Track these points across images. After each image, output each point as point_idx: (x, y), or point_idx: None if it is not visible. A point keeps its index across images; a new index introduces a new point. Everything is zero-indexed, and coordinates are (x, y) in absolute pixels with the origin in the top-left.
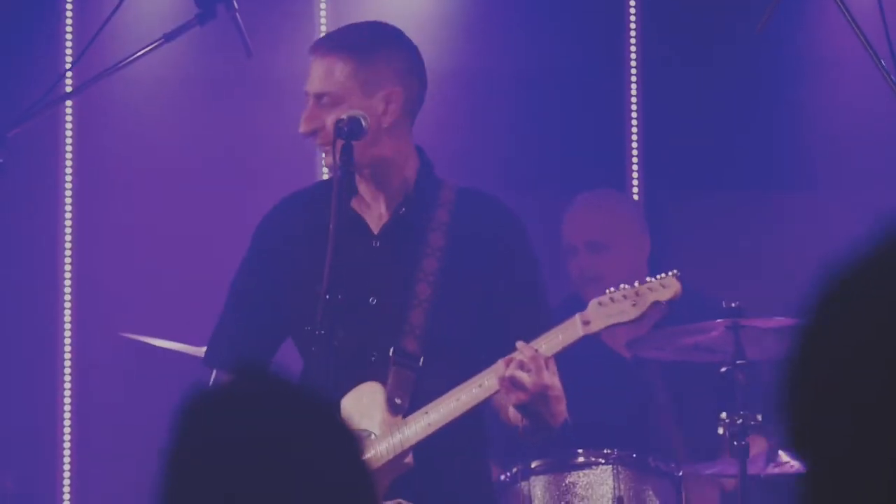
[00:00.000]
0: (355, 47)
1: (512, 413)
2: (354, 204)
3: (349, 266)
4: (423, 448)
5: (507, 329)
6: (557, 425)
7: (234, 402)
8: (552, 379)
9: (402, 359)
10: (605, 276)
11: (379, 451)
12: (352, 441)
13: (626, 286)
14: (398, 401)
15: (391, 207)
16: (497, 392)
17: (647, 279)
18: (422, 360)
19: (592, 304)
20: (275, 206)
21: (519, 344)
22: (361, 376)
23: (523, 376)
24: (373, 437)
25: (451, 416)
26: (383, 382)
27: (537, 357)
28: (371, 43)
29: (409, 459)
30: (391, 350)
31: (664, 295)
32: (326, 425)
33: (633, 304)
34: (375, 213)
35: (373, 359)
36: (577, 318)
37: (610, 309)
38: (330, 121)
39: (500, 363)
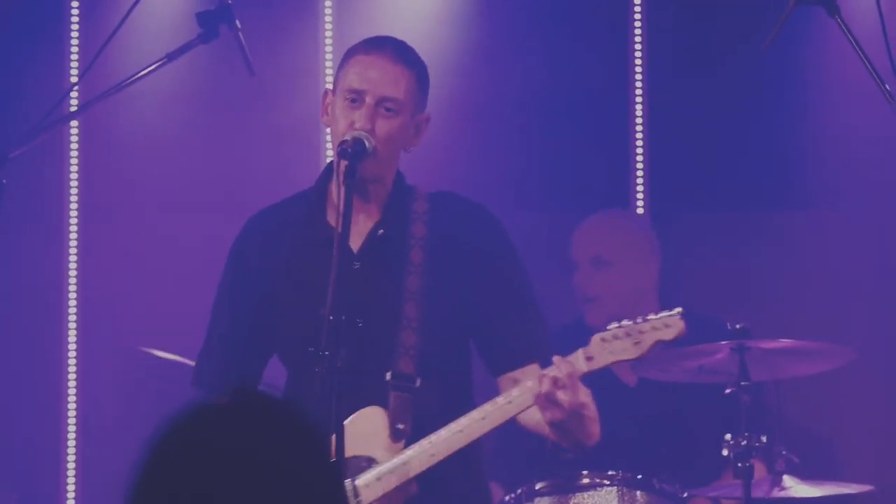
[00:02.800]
0: (417, 65)
1: (542, 426)
2: (331, 219)
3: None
4: (426, 472)
5: (498, 333)
6: (591, 445)
7: (217, 423)
8: (587, 398)
9: (400, 382)
10: (605, 294)
11: (384, 479)
12: (331, 465)
13: (629, 322)
14: (401, 426)
15: (369, 224)
16: (528, 408)
17: (650, 316)
18: (418, 381)
19: (595, 339)
20: (245, 225)
21: (556, 358)
22: (357, 399)
23: (560, 394)
24: (375, 463)
25: (457, 447)
26: (383, 407)
27: (574, 374)
28: (423, 65)
29: (413, 488)
30: (388, 374)
31: (668, 335)
32: (309, 450)
33: (636, 343)
34: (355, 228)
35: (370, 382)
36: (581, 353)
37: (613, 346)
38: (383, 128)
39: (535, 380)
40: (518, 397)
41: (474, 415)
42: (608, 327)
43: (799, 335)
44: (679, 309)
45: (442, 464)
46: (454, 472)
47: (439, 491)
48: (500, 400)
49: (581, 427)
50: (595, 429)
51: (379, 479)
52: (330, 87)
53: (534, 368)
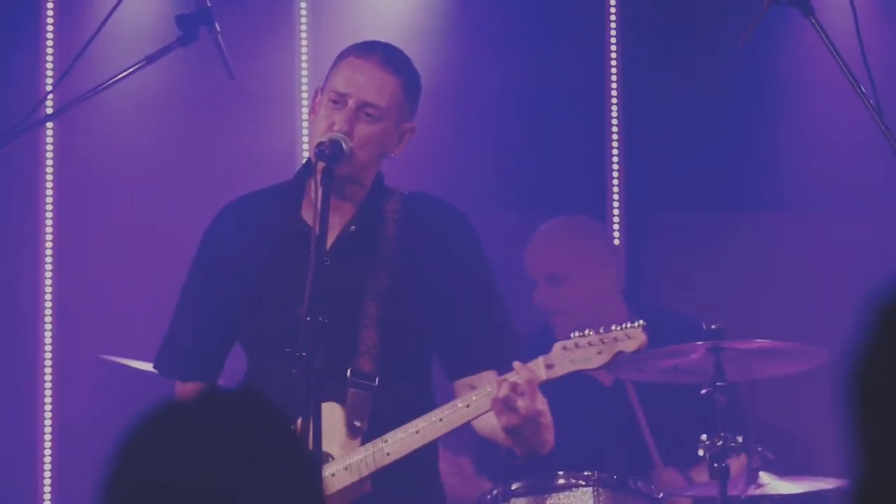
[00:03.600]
0: (406, 73)
1: (497, 433)
2: (306, 215)
3: (302, 282)
4: (381, 472)
5: (457, 337)
6: (544, 453)
7: (186, 420)
8: (544, 406)
9: (359, 379)
10: (567, 308)
11: (338, 475)
12: (307, 459)
13: (592, 332)
14: (357, 423)
15: (343, 222)
16: (486, 412)
17: (613, 328)
18: (377, 379)
19: (556, 347)
20: (220, 212)
21: (516, 364)
22: (318, 395)
23: (518, 400)
24: (331, 459)
25: (412, 448)
26: (341, 403)
27: (533, 381)
28: (414, 74)
29: (367, 486)
30: (348, 371)
31: (630, 346)
32: (281, 443)
33: (599, 353)
34: (329, 227)
35: (330, 378)
36: (541, 360)
37: (574, 354)
38: (361, 132)
39: (494, 384)
40: (476, 401)
41: (432, 416)
42: (571, 335)
43: (774, 336)
44: (641, 322)
45: (397, 463)
46: (408, 471)
47: (393, 490)
48: (458, 403)
49: (537, 434)
50: (550, 437)
51: (333, 475)
52: (307, 89)
53: (490, 375)
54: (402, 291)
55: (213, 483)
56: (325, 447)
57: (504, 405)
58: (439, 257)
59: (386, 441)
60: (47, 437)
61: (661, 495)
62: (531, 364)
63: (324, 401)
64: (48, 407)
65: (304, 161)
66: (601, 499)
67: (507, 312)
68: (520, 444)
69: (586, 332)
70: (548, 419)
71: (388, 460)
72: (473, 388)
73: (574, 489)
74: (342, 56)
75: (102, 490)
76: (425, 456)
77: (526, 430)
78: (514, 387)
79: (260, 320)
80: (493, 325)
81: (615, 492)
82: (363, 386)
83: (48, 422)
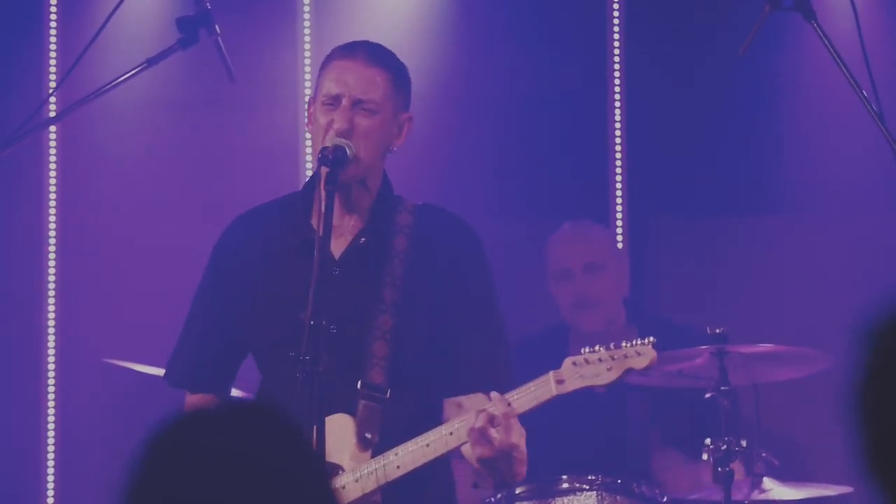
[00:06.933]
0: (393, 67)
1: (472, 459)
2: (316, 225)
3: (309, 289)
4: (392, 484)
5: (455, 356)
6: (514, 483)
7: (205, 429)
8: (520, 439)
9: (370, 391)
10: (601, 299)
11: (348, 487)
12: (322, 469)
13: (602, 348)
14: (368, 435)
15: (353, 231)
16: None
17: (624, 344)
18: (388, 392)
19: (567, 363)
20: (230, 224)
21: (493, 395)
22: (327, 405)
23: (492, 432)
24: (342, 471)
25: (422, 461)
26: (352, 415)
27: (510, 414)
28: (401, 66)
29: (377, 498)
30: (359, 383)
31: (640, 363)
32: (298, 451)
33: (609, 369)
34: (338, 234)
35: (340, 389)
36: (551, 376)
37: (584, 370)
38: (362, 126)
39: (472, 413)
40: (458, 429)
41: (442, 430)
42: (581, 351)
43: (778, 340)
44: (652, 339)
45: (408, 475)
46: (419, 483)
47: (404, 502)
48: (441, 429)
49: (509, 467)
50: (522, 470)
51: (344, 487)
52: (309, 92)
53: (480, 398)
54: (413, 305)
55: (229, 495)
56: (336, 459)
57: (480, 435)
58: (449, 275)
59: (396, 454)
60: (51, 440)
61: (665, 499)
62: (541, 379)
63: (334, 412)
64: (52, 410)
65: (306, 163)
66: (605, 502)
67: (506, 336)
68: (492, 474)
69: (596, 347)
70: (522, 453)
71: (399, 473)
72: (460, 406)
73: (578, 493)
74: (327, 61)
75: (121, 501)
76: (436, 468)
77: (498, 462)
78: (491, 418)
79: (269, 329)
80: (491, 349)
81: (619, 495)
82: (374, 398)
83: (52, 425)
